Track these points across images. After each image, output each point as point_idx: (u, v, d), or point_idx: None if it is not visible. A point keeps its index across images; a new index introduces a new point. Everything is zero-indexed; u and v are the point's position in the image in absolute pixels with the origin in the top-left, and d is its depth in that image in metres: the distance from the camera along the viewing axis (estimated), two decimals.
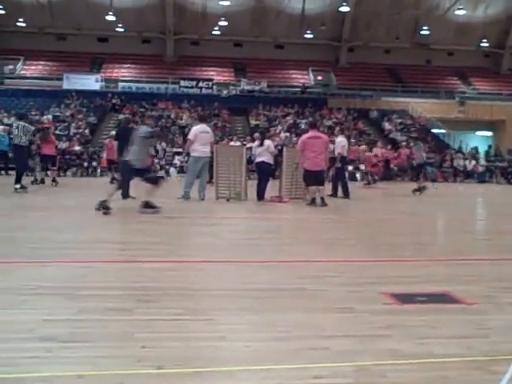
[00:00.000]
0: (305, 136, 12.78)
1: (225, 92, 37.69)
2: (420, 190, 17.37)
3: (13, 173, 16.38)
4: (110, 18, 37.80)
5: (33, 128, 15.24)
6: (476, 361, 3.12)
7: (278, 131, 31.41)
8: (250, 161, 16.15)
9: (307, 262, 5.95)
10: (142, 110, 34.15)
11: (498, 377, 2.86)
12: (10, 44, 38.78)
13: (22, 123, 14.53)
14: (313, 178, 12.25)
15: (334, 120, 33.96)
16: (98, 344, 3.26)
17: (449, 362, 3.11)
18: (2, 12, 37.43)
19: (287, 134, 30.74)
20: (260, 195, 13.14)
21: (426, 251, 7.02)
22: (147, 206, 9.92)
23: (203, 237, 7.84)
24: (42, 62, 39.62)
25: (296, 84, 40.71)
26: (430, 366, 3.06)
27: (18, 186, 13.89)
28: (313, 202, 12.29)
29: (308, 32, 40.91)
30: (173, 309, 3.98)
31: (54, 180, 17.53)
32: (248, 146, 18.26)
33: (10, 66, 38.61)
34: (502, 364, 3.01)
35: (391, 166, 27.11)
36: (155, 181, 10.34)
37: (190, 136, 13.41)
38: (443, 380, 2.89)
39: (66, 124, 31.48)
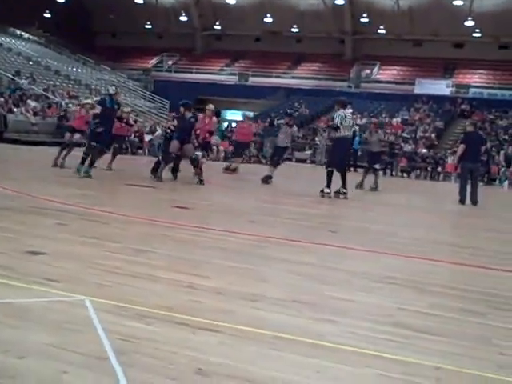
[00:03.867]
0: None
1: None
2: None
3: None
4: (469, 23, 37.01)
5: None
6: None
7: None
8: None
9: None
10: (491, 117, 32.78)
11: None
12: (369, 50, 40.93)
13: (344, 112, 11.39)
14: None
15: None
16: (454, 341, 3.25)
17: None
18: (366, 20, 39.63)
19: None
20: None
21: None
22: None
23: None
24: (396, 67, 40.84)
25: None
26: None
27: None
28: None
29: None
30: None
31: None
32: None
33: (367, 71, 40.74)
34: None
35: None
36: None
37: None
38: None
39: (414, 127, 31.99)
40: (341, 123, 11.06)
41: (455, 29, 37.75)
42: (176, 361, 2.63)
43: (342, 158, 11.61)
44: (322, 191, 11.17)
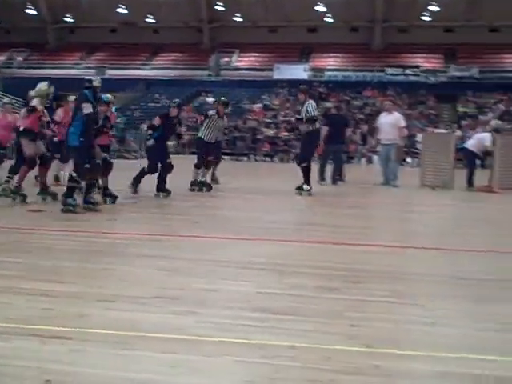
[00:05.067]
0: None
1: (432, 79, 36.39)
2: None
3: None
4: (320, 8, 38.38)
5: None
6: None
7: (488, 118, 29.61)
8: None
9: None
10: (346, 98, 34.33)
11: None
12: (227, 38, 41.25)
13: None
14: None
15: None
16: (309, 318, 3.38)
17: None
18: (222, 9, 39.87)
19: (498, 122, 28.82)
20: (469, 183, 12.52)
21: None
22: None
23: (409, 223, 7.75)
24: (254, 54, 41.49)
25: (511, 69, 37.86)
26: None
27: None
28: None
29: None
30: (380, 291, 3.99)
31: None
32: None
33: (226, 59, 41.06)
34: None
35: None
36: None
37: (378, 123, 13.46)
38: None
39: (275, 112, 32.79)
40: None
41: (308, 14, 38.99)
42: (24, 375, 2.51)
43: (313, 152, 10.90)
44: (301, 188, 10.16)
